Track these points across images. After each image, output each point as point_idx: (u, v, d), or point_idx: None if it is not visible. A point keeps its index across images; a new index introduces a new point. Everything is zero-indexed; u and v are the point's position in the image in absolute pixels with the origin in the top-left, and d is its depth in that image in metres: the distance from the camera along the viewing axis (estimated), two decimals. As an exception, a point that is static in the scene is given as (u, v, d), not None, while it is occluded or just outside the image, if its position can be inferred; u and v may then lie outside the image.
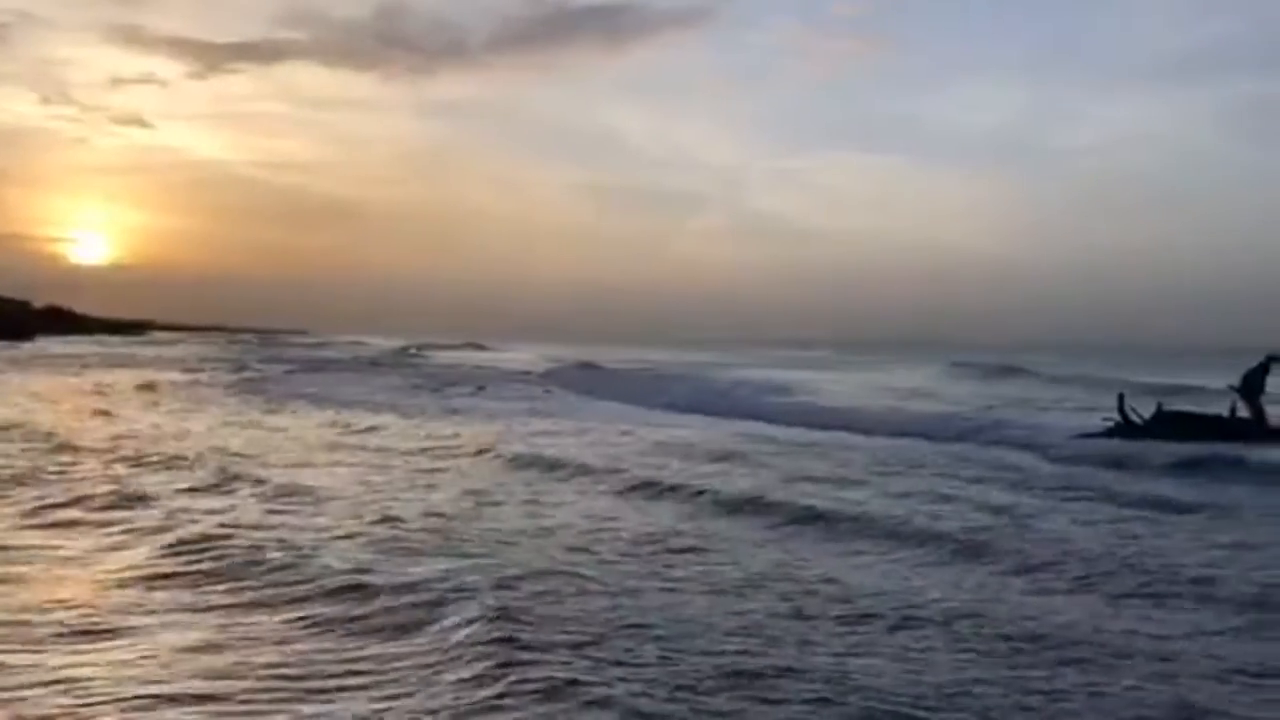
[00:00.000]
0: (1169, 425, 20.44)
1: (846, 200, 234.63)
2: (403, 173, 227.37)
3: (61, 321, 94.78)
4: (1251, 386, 21.27)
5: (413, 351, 74.81)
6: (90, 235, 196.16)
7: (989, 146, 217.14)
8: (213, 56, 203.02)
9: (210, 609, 6.88)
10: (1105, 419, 21.04)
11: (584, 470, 14.21)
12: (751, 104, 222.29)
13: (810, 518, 10.88)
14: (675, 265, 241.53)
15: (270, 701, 5.17)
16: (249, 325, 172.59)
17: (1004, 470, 16.08)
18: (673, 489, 12.65)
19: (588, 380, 35.63)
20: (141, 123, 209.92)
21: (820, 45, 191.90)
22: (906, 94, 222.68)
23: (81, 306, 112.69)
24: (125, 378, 34.79)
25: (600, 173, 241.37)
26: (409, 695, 5.24)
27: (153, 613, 6.74)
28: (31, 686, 5.28)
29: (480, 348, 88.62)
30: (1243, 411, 21.02)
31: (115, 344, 76.18)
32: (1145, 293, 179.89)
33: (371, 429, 20.02)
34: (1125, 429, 20.58)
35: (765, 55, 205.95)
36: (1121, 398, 21.02)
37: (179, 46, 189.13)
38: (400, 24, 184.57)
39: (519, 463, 15.09)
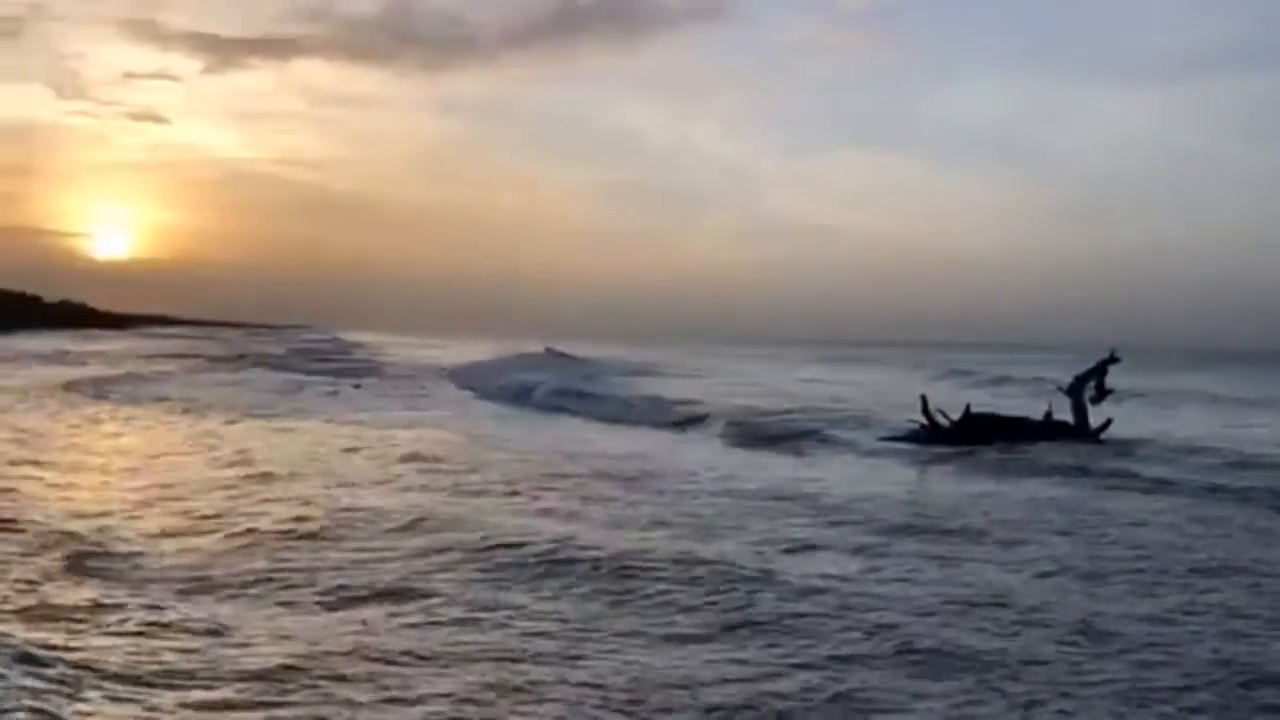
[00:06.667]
0: (975, 427, 19.18)
1: (858, 198, 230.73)
2: (416, 170, 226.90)
3: (76, 317, 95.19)
4: (1078, 387, 19.96)
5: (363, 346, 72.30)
6: (107, 230, 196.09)
7: (996, 144, 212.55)
8: (226, 51, 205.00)
9: None
10: (910, 421, 19.70)
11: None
12: (765, 100, 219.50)
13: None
14: (688, 263, 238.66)
15: None
16: (260, 321, 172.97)
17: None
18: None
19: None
20: (157, 118, 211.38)
21: (830, 40, 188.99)
22: (915, 90, 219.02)
23: (96, 301, 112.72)
24: None
25: (613, 170, 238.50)
26: None
27: None
28: None
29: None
30: (1063, 414, 19.66)
31: (100, 339, 75.12)
32: (1149, 294, 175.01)
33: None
34: (931, 432, 19.23)
35: (777, 51, 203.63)
36: (924, 399, 19.66)
37: (193, 41, 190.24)
38: (411, 20, 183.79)
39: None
